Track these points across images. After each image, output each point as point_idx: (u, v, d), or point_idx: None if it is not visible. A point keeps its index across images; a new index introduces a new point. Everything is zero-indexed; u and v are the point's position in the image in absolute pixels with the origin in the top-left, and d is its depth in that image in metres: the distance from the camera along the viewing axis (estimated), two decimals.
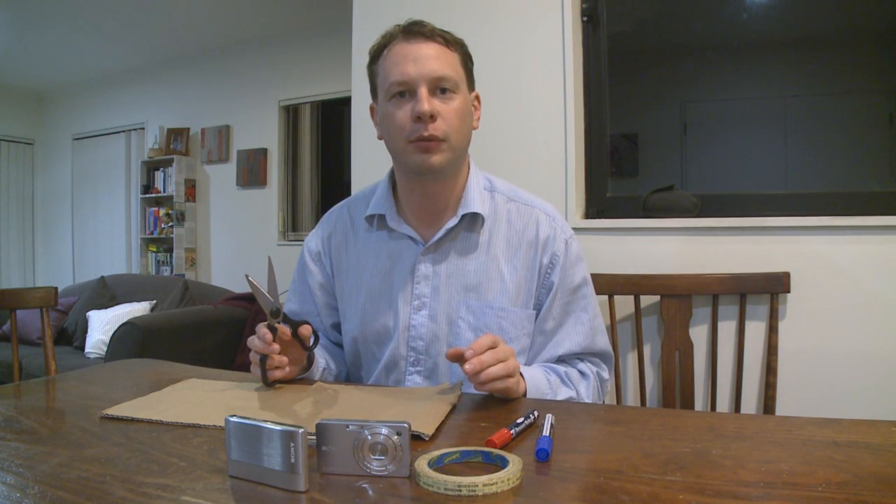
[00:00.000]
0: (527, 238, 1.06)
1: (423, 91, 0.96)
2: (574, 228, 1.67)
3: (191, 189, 5.03)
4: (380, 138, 1.06)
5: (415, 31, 0.99)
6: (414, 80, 0.96)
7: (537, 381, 0.96)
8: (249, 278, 0.92)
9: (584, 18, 1.74)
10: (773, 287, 1.46)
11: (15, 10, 4.01)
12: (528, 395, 0.93)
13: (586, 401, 1.04)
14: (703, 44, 2.42)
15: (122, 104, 5.48)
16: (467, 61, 1.04)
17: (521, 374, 0.92)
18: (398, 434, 0.60)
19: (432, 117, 0.95)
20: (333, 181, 4.65)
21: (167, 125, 5.13)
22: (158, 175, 5.14)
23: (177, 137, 5.07)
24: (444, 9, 1.83)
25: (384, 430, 0.60)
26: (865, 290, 1.44)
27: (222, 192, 4.96)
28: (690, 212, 1.62)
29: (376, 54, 1.03)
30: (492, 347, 0.85)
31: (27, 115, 5.97)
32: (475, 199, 1.05)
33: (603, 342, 1.10)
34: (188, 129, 5.07)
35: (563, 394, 1.01)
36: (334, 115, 4.69)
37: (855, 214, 1.45)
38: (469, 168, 1.09)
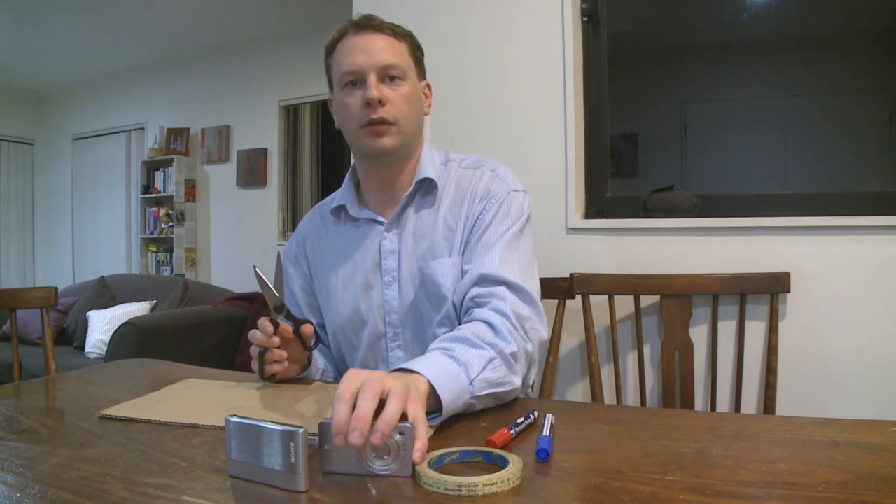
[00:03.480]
0: (470, 191, 1.08)
1: (372, 78, 1.01)
2: (574, 228, 1.69)
3: (191, 189, 5.03)
4: (338, 127, 1.11)
5: (364, 24, 1.04)
6: (363, 68, 1.01)
7: (439, 366, 0.78)
8: (257, 270, 0.91)
9: (584, 18, 1.74)
10: (773, 287, 1.46)
11: (15, 10, 4.01)
12: (440, 389, 0.74)
13: (511, 348, 0.88)
14: (703, 44, 2.43)
15: (122, 104, 5.48)
16: (416, 51, 1.09)
17: (414, 371, 0.75)
18: (401, 434, 0.60)
19: (381, 102, 1.00)
20: (333, 181, 4.65)
21: (167, 125, 5.13)
22: (158, 175, 5.14)
23: (177, 137, 5.07)
24: (443, 9, 1.83)
25: (392, 434, 0.60)
26: (865, 291, 1.44)
27: (222, 192, 4.96)
28: (690, 212, 1.62)
29: (330, 48, 1.08)
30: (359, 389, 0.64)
31: (27, 115, 5.96)
32: (428, 168, 1.09)
33: (525, 280, 0.98)
34: (188, 129, 5.07)
35: (479, 360, 0.83)
36: None
37: (855, 214, 1.45)
38: (423, 148, 1.13)
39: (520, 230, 1.04)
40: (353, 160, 1.16)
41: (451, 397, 0.75)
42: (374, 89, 1.00)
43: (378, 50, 1.02)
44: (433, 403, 0.74)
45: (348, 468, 0.61)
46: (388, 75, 1.02)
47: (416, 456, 0.59)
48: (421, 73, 1.11)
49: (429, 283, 1.04)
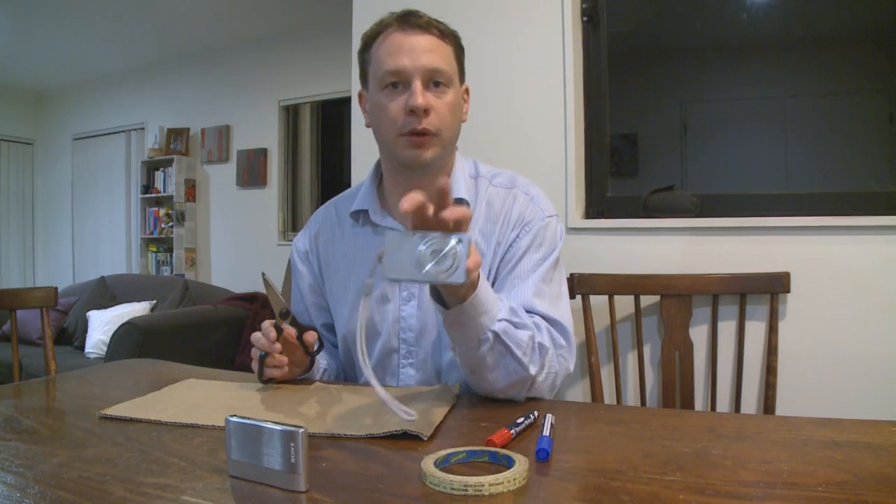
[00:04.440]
0: (503, 215, 1.04)
1: (417, 84, 0.95)
2: (574, 228, 1.69)
3: (191, 189, 5.03)
4: (368, 126, 1.06)
5: (411, 21, 0.97)
6: (409, 71, 0.95)
7: (492, 290, 0.84)
8: (265, 276, 0.91)
9: (584, 18, 1.74)
10: (773, 287, 1.46)
11: (15, 10, 4.01)
12: (482, 289, 0.79)
13: (542, 340, 0.90)
14: (703, 44, 2.43)
15: (122, 104, 5.48)
16: (460, 54, 1.04)
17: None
18: (459, 241, 0.64)
19: (426, 111, 0.95)
20: (333, 181, 4.65)
21: (167, 125, 5.13)
22: (158, 175, 5.14)
23: (177, 137, 5.07)
24: (443, 8, 1.82)
25: (451, 240, 0.65)
26: (865, 290, 1.44)
27: (222, 192, 4.96)
28: (690, 212, 1.62)
29: (369, 41, 1.01)
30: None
31: (27, 115, 5.97)
32: (461, 186, 1.04)
33: (559, 313, 0.99)
34: (188, 129, 5.07)
35: (519, 317, 0.87)
36: (334, 115, 4.70)
37: (855, 214, 1.45)
38: (454, 159, 1.08)
39: (555, 261, 1.02)
40: (368, 158, 1.11)
41: (481, 303, 0.80)
42: (421, 97, 0.94)
43: (425, 52, 0.95)
44: (468, 294, 0.79)
45: (406, 274, 0.65)
46: (434, 81, 0.96)
47: (471, 264, 0.66)
48: (462, 76, 1.05)
49: None
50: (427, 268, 0.62)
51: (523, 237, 1.01)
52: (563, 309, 1.00)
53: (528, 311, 0.95)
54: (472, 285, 0.79)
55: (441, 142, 0.98)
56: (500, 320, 0.83)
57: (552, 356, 0.92)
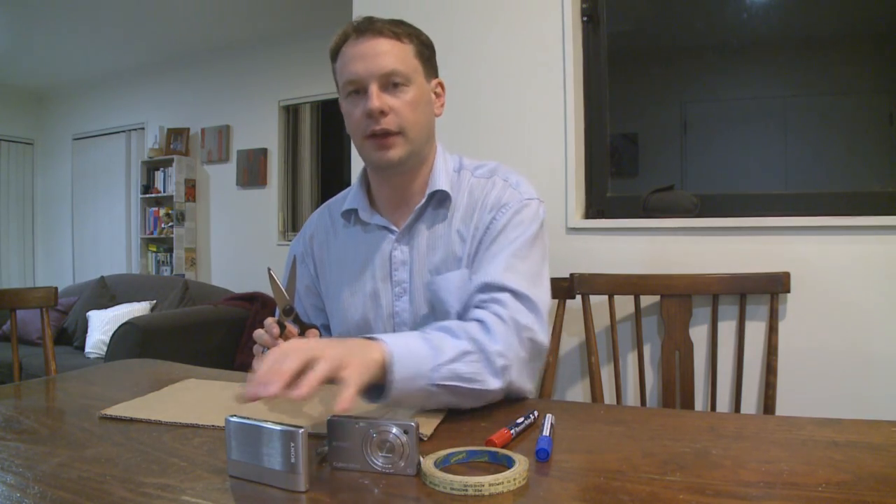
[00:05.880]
0: (481, 201, 1.04)
1: (373, 88, 0.97)
2: (574, 228, 1.69)
3: (191, 189, 5.03)
4: (348, 132, 1.08)
5: (363, 28, 1.00)
6: (364, 77, 0.98)
7: (407, 343, 0.78)
8: (271, 272, 0.92)
9: (584, 18, 1.74)
10: (773, 287, 1.46)
11: (15, 10, 4.01)
12: (396, 364, 0.74)
13: (497, 347, 0.85)
14: (703, 44, 2.42)
15: (122, 104, 5.48)
16: (423, 50, 1.04)
17: (379, 340, 0.76)
18: (405, 433, 0.61)
19: (383, 112, 0.97)
20: (333, 181, 4.65)
21: (167, 125, 5.13)
22: (158, 175, 5.14)
23: (177, 137, 5.07)
24: (443, 9, 1.83)
25: (393, 429, 0.61)
26: (865, 290, 1.44)
27: (222, 192, 4.96)
28: (690, 212, 1.62)
29: (334, 53, 1.04)
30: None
31: (27, 115, 5.96)
32: (442, 179, 1.06)
33: (532, 290, 0.95)
34: (188, 129, 5.07)
35: (452, 348, 0.81)
36: (334, 115, 4.67)
37: (855, 214, 1.45)
38: (436, 154, 1.09)
39: (531, 238, 1.00)
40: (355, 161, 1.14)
41: (406, 375, 0.74)
42: (376, 99, 0.96)
43: (379, 56, 0.97)
44: (388, 377, 0.75)
45: (355, 464, 0.62)
46: (391, 82, 0.98)
47: (336, 408, 0.62)
48: (430, 72, 1.06)
49: (435, 300, 1.02)
50: (376, 458, 0.62)
51: (499, 218, 1.01)
52: (537, 286, 0.97)
53: (497, 287, 0.93)
54: (381, 366, 0.73)
55: (407, 140, 1.00)
56: (434, 369, 0.78)
57: (513, 356, 0.87)
